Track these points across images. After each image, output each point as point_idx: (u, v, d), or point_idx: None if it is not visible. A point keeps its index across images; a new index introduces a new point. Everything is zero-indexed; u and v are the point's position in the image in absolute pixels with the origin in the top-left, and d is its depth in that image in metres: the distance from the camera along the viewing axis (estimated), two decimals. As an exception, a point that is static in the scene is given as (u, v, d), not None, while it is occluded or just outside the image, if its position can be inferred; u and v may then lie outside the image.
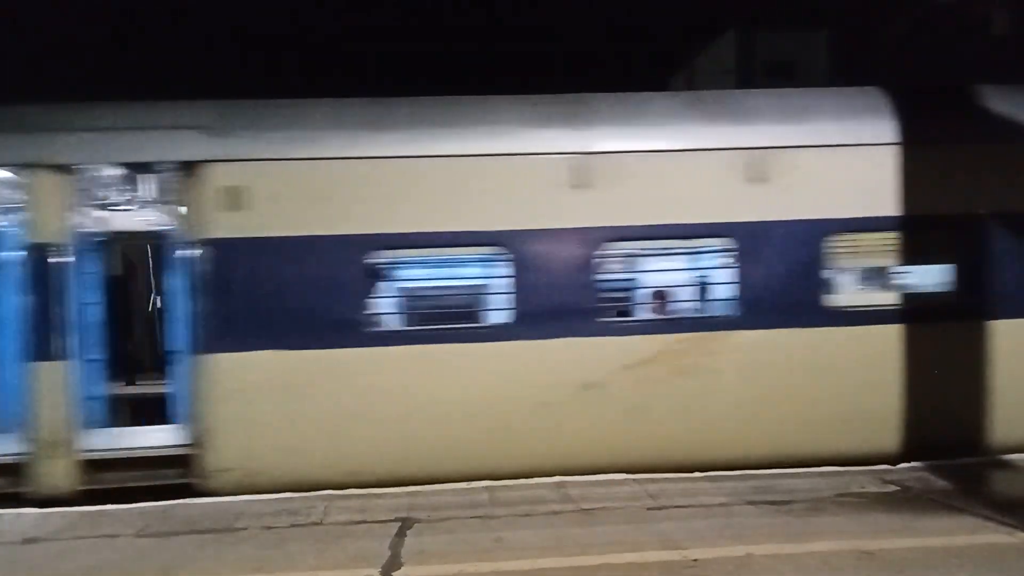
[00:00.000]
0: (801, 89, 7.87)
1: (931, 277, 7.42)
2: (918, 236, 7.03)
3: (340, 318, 6.49)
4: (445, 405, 6.53)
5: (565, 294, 6.62)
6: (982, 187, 6.93)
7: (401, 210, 6.59)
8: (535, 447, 6.58)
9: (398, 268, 7.39)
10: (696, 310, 7.48)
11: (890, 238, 7.03)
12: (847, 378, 6.75)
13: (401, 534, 5.23)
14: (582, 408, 6.60)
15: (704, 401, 6.68)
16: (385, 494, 6.21)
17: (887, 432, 6.77)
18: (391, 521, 5.53)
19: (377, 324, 6.84)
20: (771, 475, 6.42)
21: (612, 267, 7.14)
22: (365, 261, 6.59)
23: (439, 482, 6.38)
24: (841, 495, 5.86)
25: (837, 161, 6.85)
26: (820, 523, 5.22)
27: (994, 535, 4.93)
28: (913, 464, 6.61)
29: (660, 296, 7.95)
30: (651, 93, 7.26)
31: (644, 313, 7.92)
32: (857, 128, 6.91)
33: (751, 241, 6.75)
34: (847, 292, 7.21)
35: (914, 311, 6.93)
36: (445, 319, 6.97)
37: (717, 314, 7.02)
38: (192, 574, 4.71)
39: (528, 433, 6.58)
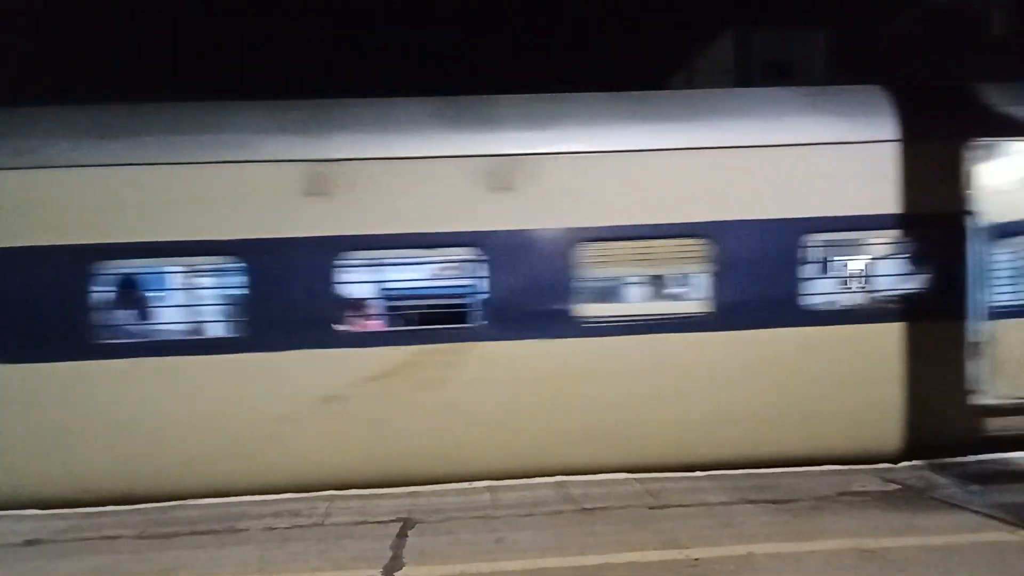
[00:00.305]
0: (552, 95, 7.25)
1: (687, 286, 7.23)
2: (670, 245, 6.84)
3: (64, 330, 6.32)
4: (179, 419, 6.37)
5: (301, 304, 6.43)
6: (726, 193, 6.71)
7: (129, 219, 6.39)
8: (278, 461, 6.43)
9: (130, 278, 7.15)
10: (441, 321, 7.12)
11: (644, 247, 6.84)
12: (596, 389, 6.58)
13: (402, 535, 5.23)
14: (325, 421, 6.44)
15: (447, 414, 6.50)
16: (386, 495, 6.22)
17: (639, 442, 6.60)
18: (392, 521, 5.53)
19: (106, 335, 6.48)
20: (772, 474, 6.42)
21: (355, 276, 6.82)
22: (93, 271, 6.39)
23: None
24: (842, 493, 5.86)
25: (585, 168, 6.65)
26: (821, 522, 5.22)
27: (995, 533, 4.93)
28: (914, 463, 6.62)
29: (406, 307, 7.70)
30: (395, 99, 6.99)
31: (389, 322, 7.66)
32: (604, 134, 6.73)
33: (496, 250, 6.57)
34: (599, 302, 7.00)
35: (669, 321, 6.74)
36: (180, 331, 6.80)
37: (462, 325, 6.78)
38: (193, 575, 4.71)
39: (270, 447, 6.42)
